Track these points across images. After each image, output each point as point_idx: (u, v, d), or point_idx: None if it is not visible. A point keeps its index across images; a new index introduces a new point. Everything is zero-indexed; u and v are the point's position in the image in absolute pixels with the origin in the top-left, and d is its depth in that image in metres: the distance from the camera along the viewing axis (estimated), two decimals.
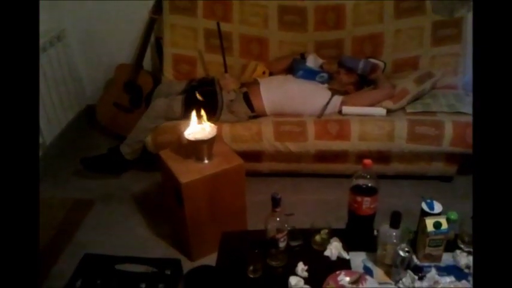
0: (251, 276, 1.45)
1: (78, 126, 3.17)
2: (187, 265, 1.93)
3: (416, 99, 2.54)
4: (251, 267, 1.46)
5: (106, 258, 1.73)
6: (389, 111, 2.47)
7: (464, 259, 1.47)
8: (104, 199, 2.51)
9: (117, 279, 1.64)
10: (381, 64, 2.70)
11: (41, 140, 2.68)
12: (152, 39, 3.04)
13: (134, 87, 2.95)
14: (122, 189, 2.59)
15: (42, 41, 2.69)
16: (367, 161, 1.49)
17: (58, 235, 2.25)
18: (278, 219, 1.47)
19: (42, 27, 2.77)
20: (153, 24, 2.94)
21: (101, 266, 1.70)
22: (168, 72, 2.89)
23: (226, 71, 2.73)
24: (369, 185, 1.50)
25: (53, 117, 2.78)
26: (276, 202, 1.46)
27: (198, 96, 2.48)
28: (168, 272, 1.65)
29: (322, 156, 2.49)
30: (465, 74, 2.71)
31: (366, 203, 1.51)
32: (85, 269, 1.68)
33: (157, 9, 2.88)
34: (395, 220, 1.41)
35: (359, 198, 1.51)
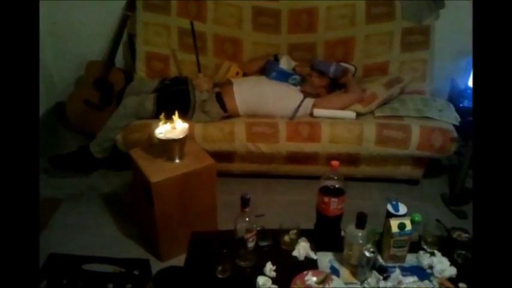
0: (220, 276, 1.46)
1: (47, 123, 3.09)
2: (157, 266, 1.92)
3: (384, 103, 2.60)
4: (220, 268, 1.46)
5: (72, 258, 1.69)
6: (358, 115, 2.52)
7: (427, 260, 1.52)
8: (73, 198, 2.46)
9: (84, 280, 1.61)
10: (352, 68, 2.75)
11: None
12: (125, 36, 3.01)
13: (105, 85, 2.91)
14: (91, 188, 2.55)
15: None
16: (335, 163, 1.53)
17: None
18: (247, 219, 1.49)
19: None
20: (126, 21, 2.91)
21: (67, 266, 1.66)
22: (141, 69, 2.86)
23: (199, 71, 2.73)
24: (337, 186, 1.54)
25: None
26: (245, 202, 1.48)
27: None
28: (136, 272, 1.63)
29: (294, 158, 2.52)
30: (432, 80, 2.79)
31: (333, 204, 1.54)
32: (50, 269, 1.65)
33: (131, 6, 2.85)
34: (360, 221, 1.44)
35: (326, 199, 1.54)
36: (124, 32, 2.97)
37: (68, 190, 2.52)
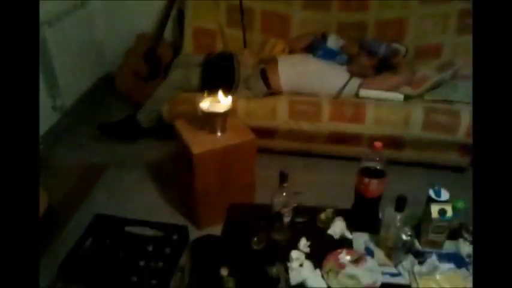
0: (255, 247, 1.49)
1: (97, 92, 3.21)
2: (194, 233, 1.98)
3: (435, 87, 2.50)
4: (255, 239, 1.49)
5: (116, 219, 1.78)
6: (406, 98, 2.44)
7: (466, 248, 1.48)
8: (118, 165, 2.56)
9: (125, 241, 1.70)
10: (403, 49, 2.66)
11: (60, 103, 2.73)
12: (175, 10, 3.04)
13: (154, 57, 2.98)
14: (135, 156, 2.65)
15: (66, 5, 2.72)
16: (378, 144, 1.50)
17: (71, 196, 2.32)
18: (284, 194, 1.50)
19: None
20: None
21: (110, 227, 1.75)
22: (188, 44, 2.90)
23: (245, 47, 2.73)
24: (378, 167, 1.51)
25: (72, 82, 2.82)
26: (283, 177, 1.48)
27: None
28: (175, 237, 1.70)
29: (336, 138, 2.48)
30: None
31: (373, 185, 1.52)
32: (95, 229, 1.74)
33: None
34: (400, 204, 1.42)
35: (366, 180, 1.52)
36: (174, 6, 3.00)
37: (114, 156, 2.62)
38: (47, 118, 2.72)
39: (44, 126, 2.70)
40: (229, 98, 2.05)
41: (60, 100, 2.72)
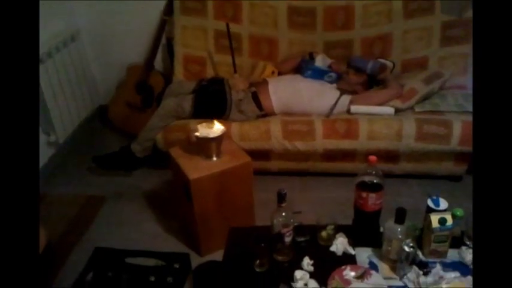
0: (258, 270, 1.48)
1: (91, 125, 3.23)
2: (196, 261, 1.97)
3: (424, 99, 2.54)
4: (257, 262, 1.48)
5: (116, 252, 1.77)
6: (397, 111, 2.48)
7: (469, 255, 1.48)
8: (115, 196, 2.56)
9: (127, 272, 1.68)
10: (390, 64, 2.71)
11: (54, 139, 2.74)
12: (163, 40, 3.09)
13: (146, 87, 3.01)
14: (132, 186, 2.64)
15: (56, 41, 2.75)
16: (372, 158, 1.51)
17: (71, 230, 2.30)
18: (284, 214, 1.49)
19: (57, 28, 2.85)
20: (164, 25, 2.99)
21: (111, 259, 1.74)
22: (179, 72, 2.93)
23: (235, 71, 2.77)
24: (374, 181, 1.52)
25: (66, 116, 2.83)
26: (281, 197, 1.49)
27: None
28: (176, 266, 1.69)
29: (331, 155, 2.50)
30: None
31: (372, 199, 1.53)
32: (96, 262, 1.73)
33: (169, 10, 2.93)
34: (400, 216, 1.42)
35: (364, 194, 1.53)
36: (162, 36, 3.05)
37: (111, 188, 2.62)
38: (42, 154, 2.72)
39: (39, 162, 2.70)
40: (221, 124, 2.06)
41: (54, 135, 2.73)
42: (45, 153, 2.76)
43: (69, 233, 2.28)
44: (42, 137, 2.72)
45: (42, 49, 2.60)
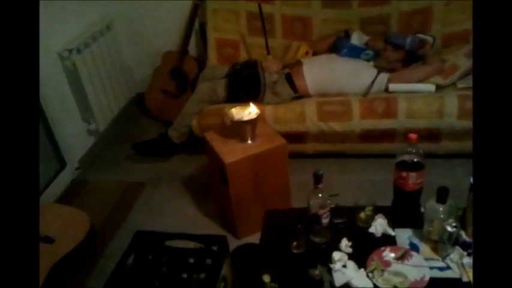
0: (295, 251, 1.47)
1: (129, 113, 3.29)
2: (234, 243, 1.98)
3: (467, 74, 2.42)
4: (294, 243, 1.47)
5: (156, 235, 1.80)
6: (438, 88, 2.37)
7: None
8: (155, 182, 2.61)
9: (167, 255, 1.71)
10: (430, 39, 2.58)
11: (94, 127, 2.81)
12: (196, 25, 3.09)
13: (180, 73, 3.03)
14: (171, 172, 2.68)
15: (92, 31, 2.81)
16: (413, 136, 1.46)
17: (112, 216, 2.37)
18: (320, 195, 1.47)
19: (92, 18, 2.91)
20: (196, 10, 2.98)
21: (151, 242, 1.77)
22: (212, 56, 2.93)
23: (268, 53, 2.73)
24: (415, 160, 1.47)
25: (105, 106, 2.90)
26: (318, 178, 1.46)
27: None
28: (215, 248, 1.70)
29: (369, 136, 2.43)
30: None
31: (412, 179, 1.48)
32: (137, 246, 1.76)
33: None
34: (442, 195, 1.37)
35: (404, 174, 1.48)
36: (195, 21, 3.05)
37: (150, 174, 2.67)
38: (82, 142, 2.81)
39: (80, 151, 2.79)
40: (256, 106, 2.05)
41: (94, 124, 2.80)
42: (86, 141, 2.85)
43: (110, 219, 2.35)
44: (83, 125, 2.80)
45: (80, 39, 2.66)
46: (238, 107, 2.07)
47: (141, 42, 3.27)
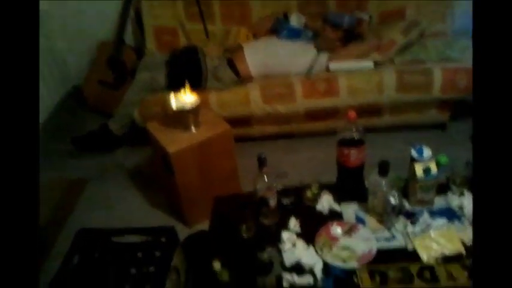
0: (245, 235, 1.45)
1: (67, 107, 3.13)
2: (185, 232, 1.94)
3: (404, 49, 2.49)
4: (244, 227, 1.46)
5: (101, 231, 1.73)
6: (377, 64, 2.43)
7: (456, 200, 1.47)
8: (99, 176, 2.50)
9: (114, 251, 1.65)
10: (366, 17, 2.63)
11: None
12: (132, 13, 2.97)
13: (117, 63, 2.90)
14: (115, 165, 2.58)
15: None
16: (351, 113, 1.47)
17: (56, 215, 2.26)
18: (266, 178, 1.46)
19: None
20: None
21: (97, 239, 1.70)
22: (151, 44, 2.84)
23: (207, 37, 2.67)
24: (355, 137, 1.49)
25: (39, 99, 2.74)
26: (261, 162, 1.45)
27: None
28: (163, 240, 1.65)
29: (313, 115, 2.46)
30: (454, 20, 2.64)
31: (353, 155, 1.50)
32: (81, 244, 1.69)
33: None
34: (383, 168, 1.40)
35: (346, 151, 1.50)
36: (130, 9, 2.92)
37: (93, 169, 2.56)
38: None
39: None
40: (200, 93, 2.00)
41: None
42: None
43: (54, 218, 2.23)
44: None
45: None
46: (178, 95, 2.01)
47: (75, 33, 3.09)
